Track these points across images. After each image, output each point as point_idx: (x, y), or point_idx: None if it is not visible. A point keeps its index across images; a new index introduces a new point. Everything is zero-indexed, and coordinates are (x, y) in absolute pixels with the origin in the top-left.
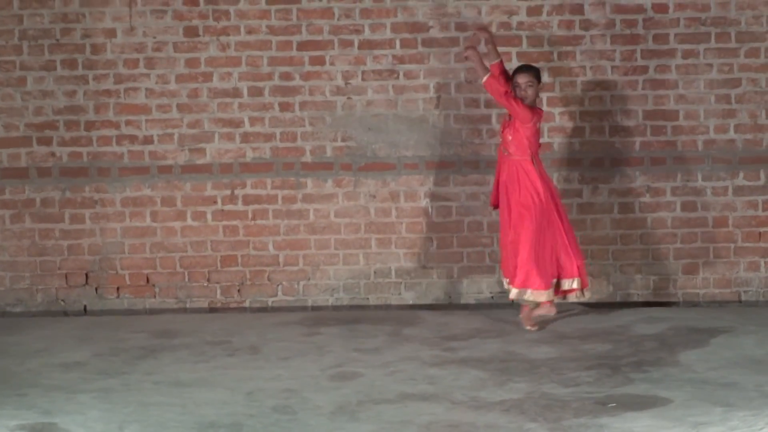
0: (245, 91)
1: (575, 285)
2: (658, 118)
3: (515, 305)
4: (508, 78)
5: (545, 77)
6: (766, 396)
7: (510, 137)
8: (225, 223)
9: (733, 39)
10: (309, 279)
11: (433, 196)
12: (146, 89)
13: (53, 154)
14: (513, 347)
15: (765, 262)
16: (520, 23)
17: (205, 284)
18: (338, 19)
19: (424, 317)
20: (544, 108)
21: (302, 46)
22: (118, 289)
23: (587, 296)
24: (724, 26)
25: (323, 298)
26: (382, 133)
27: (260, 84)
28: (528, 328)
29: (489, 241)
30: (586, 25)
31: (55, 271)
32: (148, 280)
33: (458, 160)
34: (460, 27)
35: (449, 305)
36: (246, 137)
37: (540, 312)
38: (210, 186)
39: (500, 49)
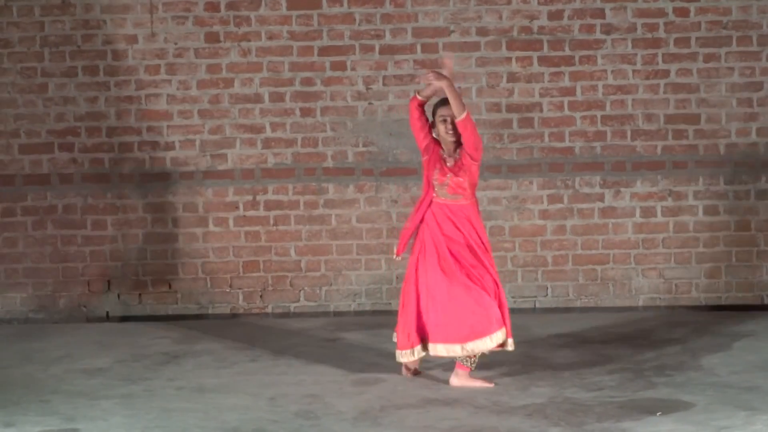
0: (266, 97)
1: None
2: (679, 122)
3: (536, 310)
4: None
5: (566, 81)
6: None
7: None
8: (247, 228)
9: (755, 42)
10: (331, 284)
11: None
12: (167, 95)
13: (75, 161)
14: (535, 351)
15: None
16: (542, 27)
17: (227, 290)
18: (359, 25)
19: None
20: (566, 112)
21: (323, 51)
22: (140, 295)
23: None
24: (745, 29)
25: (345, 304)
26: (403, 138)
27: (281, 89)
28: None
29: (511, 246)
30: (608, 29)
31: (77, 278)
32: (170, 286)
33: (480, 165)
34: (481, 32)
35: None
36: (267, 143)
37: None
38: (232, 192)
39: (522, 53)
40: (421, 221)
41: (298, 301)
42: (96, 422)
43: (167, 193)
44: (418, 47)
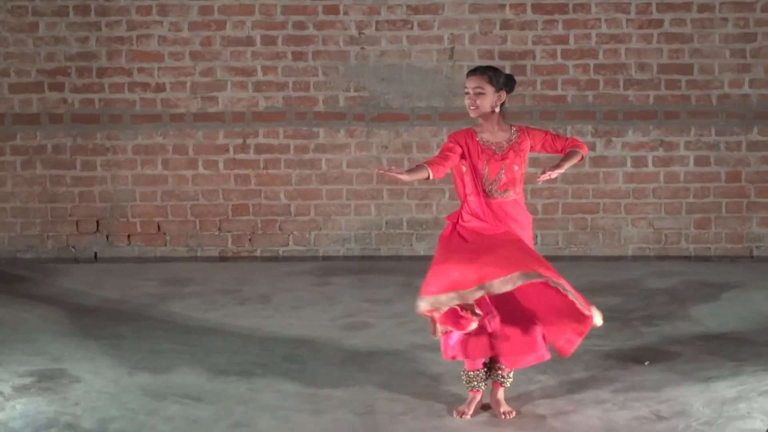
0: (258, 40)
1: None
2: (672, 72)
3: None
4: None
5: (559, 29)
6: None
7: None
8: (237, 172)
9: None
10: (320, 229)
11: None
12: (159, 36)
13: (65, 101)
14: None
15: None
16: None
17: (216, 233)
18: None
19: None
20: (559, 60)
21: None
22: (128, 236)
23: None
24: None
25: (334, 249)
26: (395, 84)
27: (273, 33)
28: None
29: None
30: None
31: (66, 218)
32: (159, 228)
33: None
34: None
35: None
36: (258, 86)
37: None
38: (222, 135)
39: (516, 0)
40: None
41: (287, 245)
42: (83, 363)
43: (157, 135)
44: None
